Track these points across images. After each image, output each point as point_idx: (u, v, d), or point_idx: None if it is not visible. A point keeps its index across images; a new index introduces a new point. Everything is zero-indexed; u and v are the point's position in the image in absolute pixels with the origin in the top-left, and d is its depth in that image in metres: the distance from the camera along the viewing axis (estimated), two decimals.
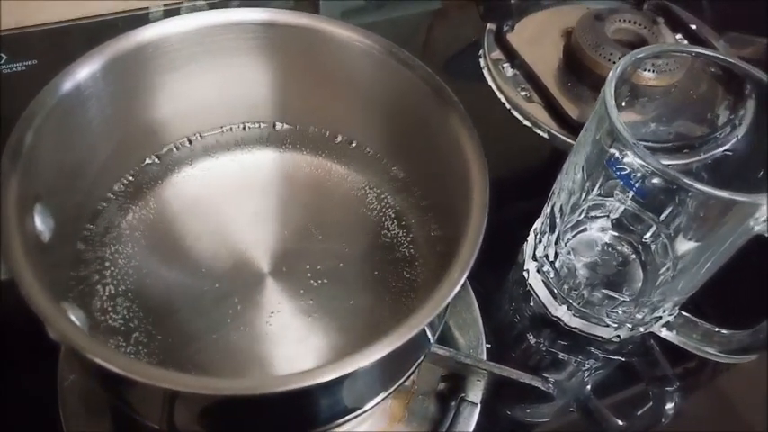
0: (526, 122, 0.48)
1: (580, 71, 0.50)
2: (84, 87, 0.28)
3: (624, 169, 0.34)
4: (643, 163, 0.29)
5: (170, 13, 0.52)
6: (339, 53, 0.31)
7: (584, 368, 0.39)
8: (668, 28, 0.52)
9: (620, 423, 0.38)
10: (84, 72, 0.28)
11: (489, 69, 0.51)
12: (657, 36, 0.50)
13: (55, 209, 0.27)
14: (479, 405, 0.34)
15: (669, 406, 0.38)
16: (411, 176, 0.34)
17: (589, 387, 0.38)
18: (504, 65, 0.51)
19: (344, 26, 0.30)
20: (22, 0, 0.48)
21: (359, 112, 0.34)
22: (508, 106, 0.49)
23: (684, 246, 0.35)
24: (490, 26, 0.53)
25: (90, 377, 0.26)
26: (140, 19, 0.51)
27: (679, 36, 0.53)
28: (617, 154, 0.32)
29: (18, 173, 0.24)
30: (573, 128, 0.46)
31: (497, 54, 0.52)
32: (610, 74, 0.31)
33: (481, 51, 0.52)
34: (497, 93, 0.50)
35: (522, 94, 0.49)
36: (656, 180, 0.32)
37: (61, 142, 0.27)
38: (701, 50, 0.35)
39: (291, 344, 0.30)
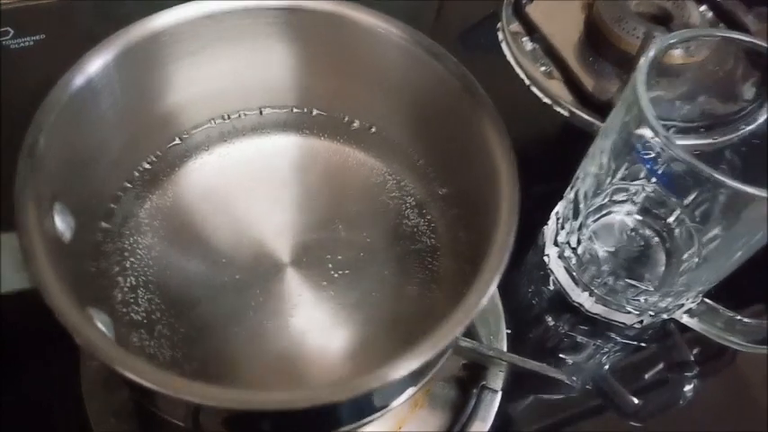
0: (546, 99, 0.47)
1: (602, 46, 0.48)
2: (97, 80, 0.27)
3: (650, 154, 0.33)
4: (674, 155, 0.28)
5: None
6: (363, 40, 0.30)
7: (603, 351, 0.39)
8: (694, 2, 0.50)
9: (636, 402, 0.38)
10: (96, 65, 0.27)
11: (508, 43, 0.49)
12: (682, 9, 0.49)
13: (73, 205, 0.26)
14: (500, 392, 0.34)
15: (687, 388, 0.38)
16: (433, 165, 0.33)
17: (607, 367, 0.38)
18: (524, 38, 0.49)
19: (371, 13, 0.29)
20: None
21: (380, 100, 0.33)
22: (528, 82, 0.47)
23: (710, 232, 0.35)
24: None
25: (116, 379, 0.26)
26: None
27: (703, 8, 0.52)
28: (645, 141, 0.31)
29: (35, 175, 0.23)
30: (594, 106, 0.45)
31: (516, 26, 0.50)
32: (641, 61, 0.29)
33: (499, 24, 0.50)
34: (516, 68, 0.48)
35: (542, 69, 0.48)
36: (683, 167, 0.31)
37: (75, 138, 0.26)
38: (733, 35, 0.34)
39: (314, 337, 0.30)
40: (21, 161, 0.23)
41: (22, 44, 0.46)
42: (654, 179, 0.35)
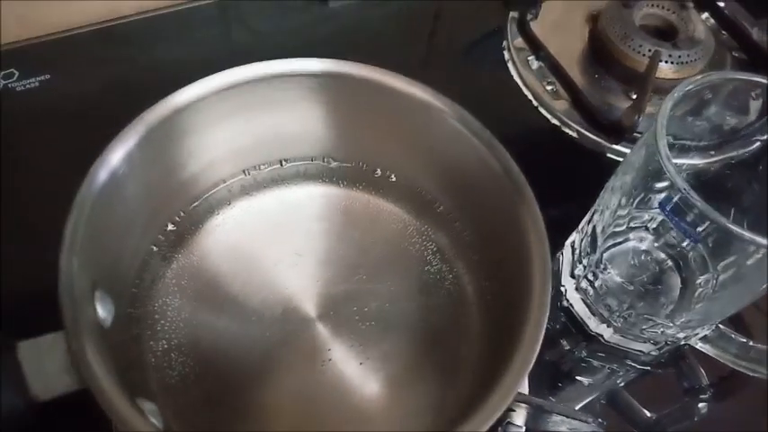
0: (554, 120, 0.47)
1: (608, 63, 0.48)
2: (121, 170, 0.27)
3: (663, 186, 0.34)
4: (696, 210, 0.29)
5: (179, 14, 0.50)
6: (393, 104, 0.30)
7: (619, 374, 0.40)
8: (696, 11, 0.50)
9: (649, 415, 0.39)
10: (119, 154, 0.27)
11: (514, 62, 0.49)
12: (686, 21, 0.49)
13: (108, 287, 0.27)
14: (524, 428, 0.35)
15: (701, 406, 0.39)
16: (456, 212, 0.34)
17: (622, 385, 0.39)
18: (530, 57, 0.49)
19: (406, 82, 0.30)
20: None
21: (408, 158, 0.33)
22: (535, 103, 0.48)
23: (725, 260, 0.35)
24: (513, 14, 0.51)
25: None
26: (150, 21, 0.49)
27: (705, 15, 0.52)
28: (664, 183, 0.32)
29: (76, 273, 0.23)
30: (603, 127, 0.45)
31: (520, 42, 0.50)
32: (659, 120, 0.30)
33: (504, 42, 0.50)
34: (523, 87, 0.48)
35: (549, 88, 0.48)
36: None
37: (105, 226, 0.27)
38: (754, 78, 0.34)
39: (345, 393, 0.30)
40: (61, 263, 0.23)
41: (27, 86, 0.45)
42: (666, 213, 0.36)
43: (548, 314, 0.26)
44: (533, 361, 0.25)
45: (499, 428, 0.35)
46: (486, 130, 0.29)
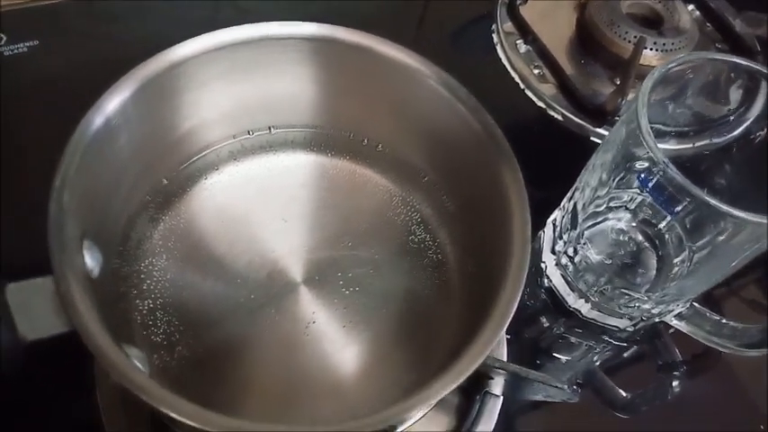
0: (540, 103, 0.48)
1: (594, 49, 0.49)
2: (115, 119, 0.27)
3: (643, 165, 0.34)
4: (675, 183, 0.29)
5: None
6: (382, 71, 0.31)
7: (595, 352, 0.41)
8: (682, 1, 0.51)
9: (625, 395, 0.40)
10: (114, 103, 0.27)
11: (503, 45, 0.50)
12: (672, 11, 0.50)
13: (96, 238, 0.27)
14: (502, 397, 0.36)
15: (675, 384, 0.40)
16: (441, 182, 0.34)
17: (598, 364, 0.40)
18: (518, 41, 0.50)
19: (398, 48, 0.30)
20: None
21: (394, 123, 0.33)
22: (522, 86, 0.48)
23: (700, 240, 0.36)
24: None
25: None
26: None
27: (691, 7, 0.53)
28: (641, 157, 0.33)
29: (65, 218, 0.24)
30: (587, 110, 0.46)
31: (509, 27, 0.51)
32: (640, 97, 0.31)
33: (494, 26, 0.51)
34: (510, 71, 0.49)
35: (536, 72, 0.49)
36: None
37: (96, 176, 0.27)
38: (731, 59, 0.35)
39: (329, 355, 0.31)
40: (51, 206, 0.24)
41: (15, 51, 0.45)
42: (646, 191, 0.36)
43: (527, 270, 0.26)
44: (512, 312, 0.25)
45: (477, 396, 0.36)
46: (472, 97, 0.30)
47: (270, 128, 0.35)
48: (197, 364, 0.30)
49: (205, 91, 0.31)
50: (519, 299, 0.26)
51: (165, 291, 0.31)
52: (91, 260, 0.25)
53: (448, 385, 0.24)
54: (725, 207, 0.29)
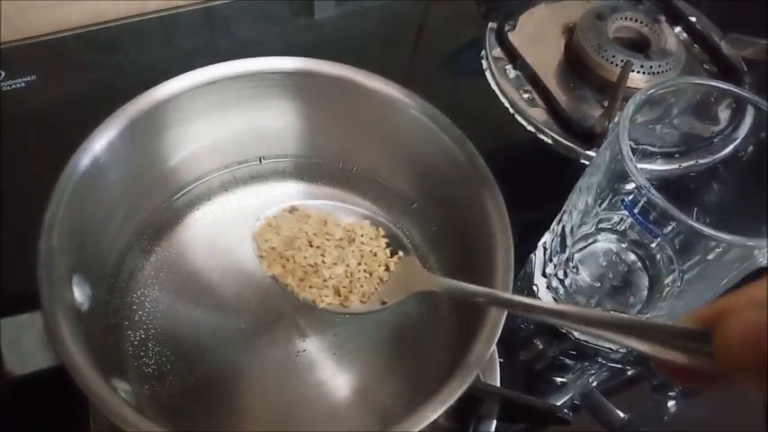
0: (530, 127, 0.48)
1: (582, 73, 0.50)
2: (103, 157, 0.28)
3: (629, 190, 0.35)
4: (659, 209, 0.30)
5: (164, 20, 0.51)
6: (366, 102, 0.32)
7: (590, 373, 0.41)
8: (669, 25, 0.52)
9: (623, 416, 0.40)
10: (101, 142, 0.28)
11: (492, 71, 0.51)
12: (659, 34, 0.50)
13: (86, 272, 0.27)
14: (495, 422, 0.36)
15: (671, 404, 0.40)
16: (429, 209, 0.35)
17: (594, 385, 0.40)
18: (507, 66, 0.51)
19: (381, 80, 0.31)
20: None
21: (380, 152, 0.34)
22: (512, 111, 0.49)
23: (690, 260, 0.36)
24: (492, 25, 0.53)
25: None
26: (134, 27, 0.50)
27: (678, 29, 0.54)
28: (630, 186, 0.33)
29: (55, 255, 0.24)
30: (577, 133, 0.47)
31: (498, 52, 0.52)
32: (621, 122, 0.31)
33: (483, 52, 0.52)
34: (500, 96, 0.50)
35: (525, 96, 0.49)
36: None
37: (86, 212, 0.27)
38: (712, 83, 0.36)
39: (319, 383, 0.31)
40: (40, 244, 0.24)
41: (13, 86, 0.46)
42: (632, 215, 0.37)
43: (510, 292, 0.26)
44: (498, 334, 0.26)
45: (471, 421, 0.36)
46: (455, 127, 0.30)
47: (260, 158, 0.36)
48: (189, 393, 0.30)
49: (194, 125, 0.31)
50: (504, 321, 0.26)
51: (156, 321, 0.32)
52: (80, 294, 0.25)
53: (437, 408, 0.24)
54: (707, 230, 0.29)
